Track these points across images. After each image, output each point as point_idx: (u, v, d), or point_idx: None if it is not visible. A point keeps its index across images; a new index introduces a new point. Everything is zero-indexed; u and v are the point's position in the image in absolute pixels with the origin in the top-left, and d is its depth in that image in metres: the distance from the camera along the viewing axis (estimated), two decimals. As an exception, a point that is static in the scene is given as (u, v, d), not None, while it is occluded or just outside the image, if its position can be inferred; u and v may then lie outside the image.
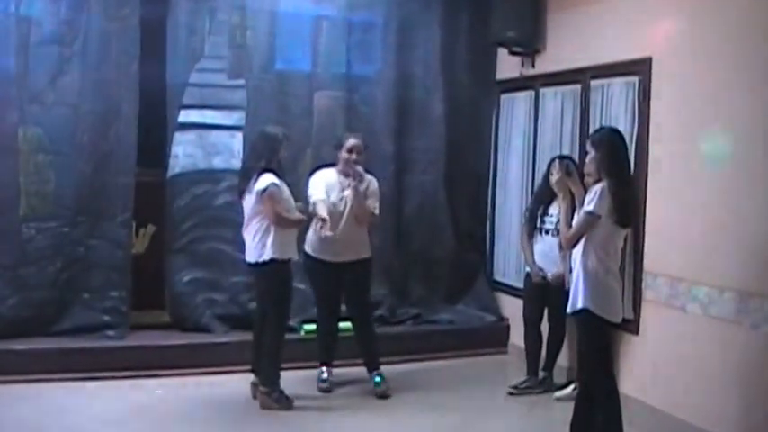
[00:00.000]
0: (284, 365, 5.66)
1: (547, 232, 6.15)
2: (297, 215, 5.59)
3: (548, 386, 6.16)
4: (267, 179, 5.42)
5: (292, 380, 5.75)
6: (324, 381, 6.06)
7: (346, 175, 5.86)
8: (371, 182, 6.00)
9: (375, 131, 7.13)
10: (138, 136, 6.45)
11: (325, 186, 5.86)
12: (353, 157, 5.86)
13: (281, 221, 5.43)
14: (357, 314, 6.15)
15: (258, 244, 5.49)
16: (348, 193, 5.84)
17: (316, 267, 6.00)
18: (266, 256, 5.46)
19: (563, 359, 6.26)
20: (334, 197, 5.85)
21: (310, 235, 5.93)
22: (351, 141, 5.92)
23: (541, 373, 6.22)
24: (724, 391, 4.92)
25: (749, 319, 4.80)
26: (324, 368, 6.11)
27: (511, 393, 6.10)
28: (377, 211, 6.00)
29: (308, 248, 5.99)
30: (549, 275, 6.10)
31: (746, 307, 4.82)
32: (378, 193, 6.04)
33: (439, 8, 7.47)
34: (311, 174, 6.10)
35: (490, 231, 7.80)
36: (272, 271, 5.51)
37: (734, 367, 4.89)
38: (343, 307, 6.21)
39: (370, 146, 6.22)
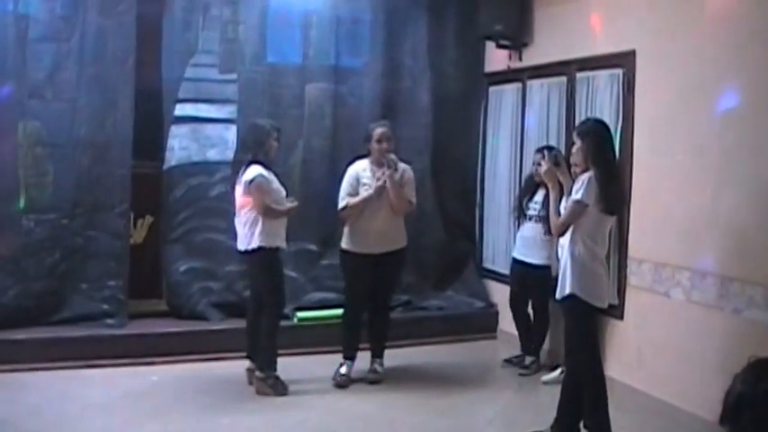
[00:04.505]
0: (279, 352, 5.71)
1: (530, 218, 6.26)
2: (287, 205, 5.65)
3: (535, 370, 6.28)
4: (254, 170, 5.50)
5: (287, 366, 5.79)
6: (343, 375, 5.91)
7: (380, 165, 5.81)
8: (406, 170, 5.95)
9: (363, 122, 7.13)
10: (136, 129, 6.50)
11: (355, 180, 5.85)
12: (384, 146, 5.79)
13: (268, 212, 5.49)
14: (382, 304, 6.11)
15: (248, 233, 5.57)
16: (381, 181, 5.76)
17: (354, 263, 5.90)
18: (254, 245, 5.53)
19: (547, 343, 6.39)
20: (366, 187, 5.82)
21: (347, 231, 5.92)
22: (378, 131, 5.86)
23: (528, 359, 6.34)
24: (706, 374, 5.00)
25: (730, 303, 4.90)
26: (346, 362, 5.98)
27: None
28: (414, 200, 5.95)
29: (345, 245, 5.94)
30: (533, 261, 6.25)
31: (728, 292, 4.92)
32: (413, 181, 5.98)
33: (427, 2, 7.54)
34: (347, 166, 6.04)
35: (479, 220, 7.91)
36: (261, 258, 5.58)
37: (715, 351, 4.97)
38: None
39: (395, 133, 6.08)
